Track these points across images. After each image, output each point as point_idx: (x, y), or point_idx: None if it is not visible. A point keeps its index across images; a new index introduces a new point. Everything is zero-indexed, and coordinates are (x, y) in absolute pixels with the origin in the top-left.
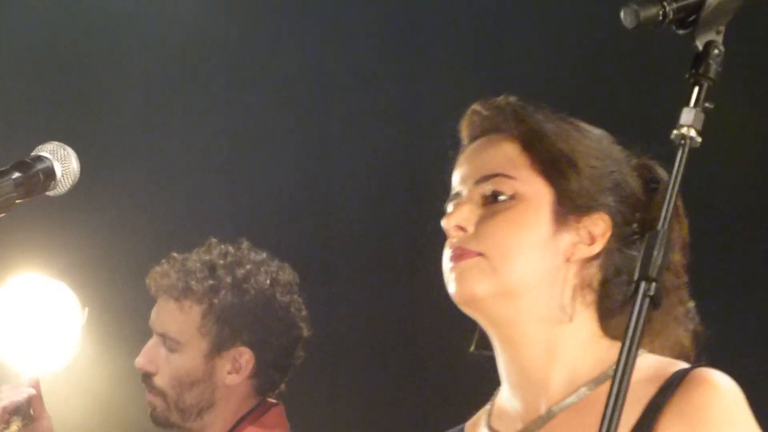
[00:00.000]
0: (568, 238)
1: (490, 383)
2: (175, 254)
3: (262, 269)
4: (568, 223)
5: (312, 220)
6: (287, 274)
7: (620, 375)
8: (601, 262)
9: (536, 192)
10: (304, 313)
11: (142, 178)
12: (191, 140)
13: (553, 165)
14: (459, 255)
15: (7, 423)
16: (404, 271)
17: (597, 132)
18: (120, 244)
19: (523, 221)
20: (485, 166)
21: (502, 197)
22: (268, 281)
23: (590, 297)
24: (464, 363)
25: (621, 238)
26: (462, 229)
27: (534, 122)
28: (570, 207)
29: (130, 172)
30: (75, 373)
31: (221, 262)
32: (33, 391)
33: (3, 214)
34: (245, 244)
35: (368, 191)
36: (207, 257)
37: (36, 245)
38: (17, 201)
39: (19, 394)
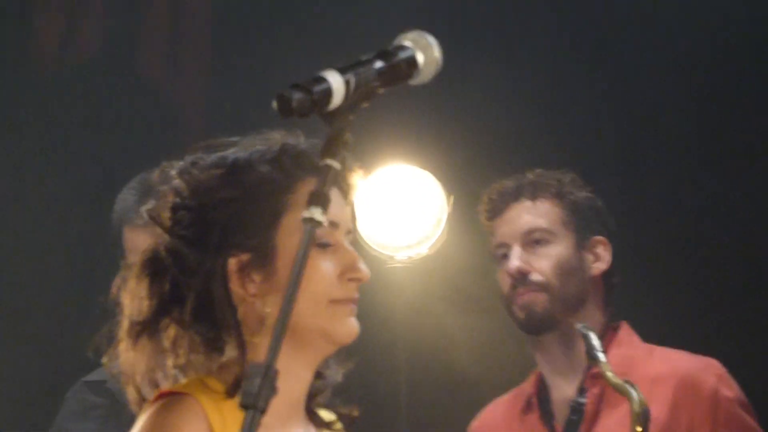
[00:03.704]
0: None
1: None
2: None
3: (572, 175)
4: None
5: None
6: None
7: None
8: None
9: None
10: None
11: (497, 71)
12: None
13: None
14: None
15: None
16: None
17: None
18: (485, 134)
19: None
20: None
21: None
22: (581, 182)
23: None
24: None
25: None
26: None
27: None
28: None
29: (489, 60)
30: (439, 259)
31: (551, 173)
32: None
33: (367, 104)
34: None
35: None
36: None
37: (403, 136)
38: (380, 90)
39: None
